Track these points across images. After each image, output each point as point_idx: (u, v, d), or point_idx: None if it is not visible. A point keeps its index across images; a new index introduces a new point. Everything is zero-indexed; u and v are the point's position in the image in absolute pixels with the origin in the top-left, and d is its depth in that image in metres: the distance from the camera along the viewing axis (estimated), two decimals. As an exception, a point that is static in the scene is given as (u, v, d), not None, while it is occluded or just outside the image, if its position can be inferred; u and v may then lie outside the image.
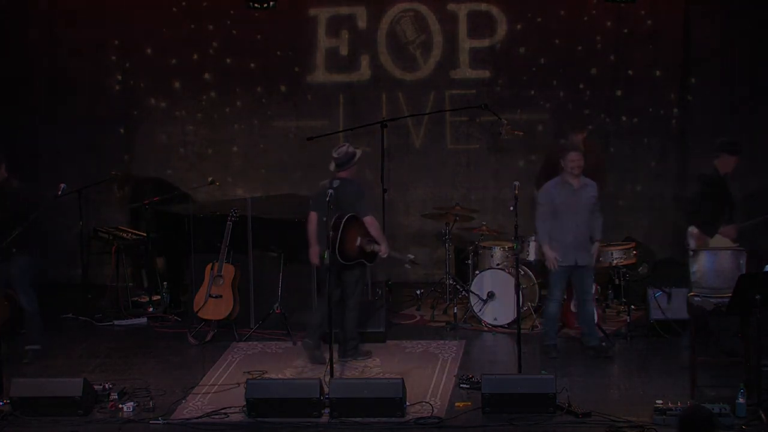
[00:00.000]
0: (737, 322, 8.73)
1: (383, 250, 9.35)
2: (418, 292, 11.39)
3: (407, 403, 8.07)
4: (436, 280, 11.62)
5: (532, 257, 10.79)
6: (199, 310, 10.13)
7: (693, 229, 9.57)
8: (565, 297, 10.31)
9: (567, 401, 8.04)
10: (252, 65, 12.75)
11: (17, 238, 9.19)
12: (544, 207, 9.53)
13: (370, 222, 9.31)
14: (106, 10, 12.62)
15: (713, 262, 8.99)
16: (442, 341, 10.11)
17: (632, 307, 10.46)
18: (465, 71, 12.54)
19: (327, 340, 8.80)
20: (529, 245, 10.77)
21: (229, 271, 10.21)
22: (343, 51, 12.64)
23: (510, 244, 10.67)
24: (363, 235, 9.28)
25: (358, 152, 9.48)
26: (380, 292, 10.37)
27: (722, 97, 12.17)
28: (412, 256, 9.78)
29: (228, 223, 10.15)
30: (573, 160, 9.43)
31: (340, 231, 9.10)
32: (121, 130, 12.86)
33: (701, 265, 8.96)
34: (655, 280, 10.55)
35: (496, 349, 10.15)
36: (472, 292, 10.61)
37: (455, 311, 10.72)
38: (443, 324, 10.71)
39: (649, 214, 12.42)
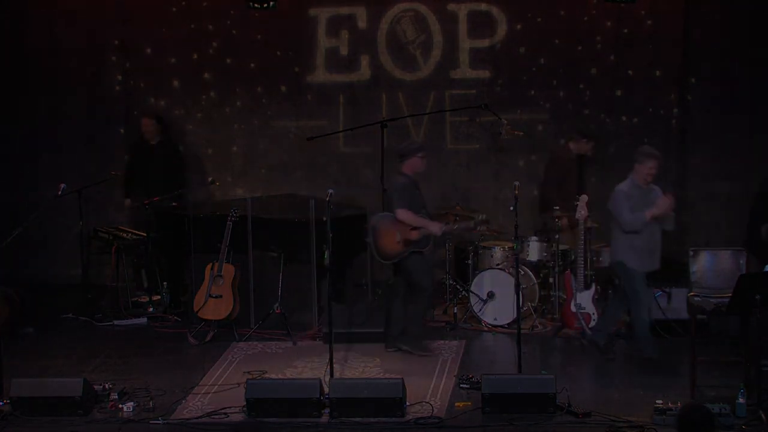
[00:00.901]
0: (737, 322, 8.73)
1: (435, 229, 9.37)
2: (418, 292, 11.37)
3: (407, 403, 8.06)
4: (436, 280, 11.60)
5: (533, 257, 10.79)
6: (199, 310, 10.13)
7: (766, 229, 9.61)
8: (565, 297, 10.31)
9: (567, 401, 8.04)
10: (252, 65, 12.74)
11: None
12: (627, 203, 9.09)
13: (401, 216, 9.34)
14: (106, 10, 12.60)
15: (713, 262, 8.99)
16: (442, 341, 10.10)
17: (632, 307, 10.46)
18: (465, 71, 12.52)
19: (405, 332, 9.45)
20: (529, 245, 10.78)
21: (229, 271, 10.20)
22: (343, 51, 12.62)
23: (510, 244, 10.67)
24: (401, 229, 9.31)
25: (421, 146, 9.70)
26: (380, 292, 10.36)
27: (722, 97, 12.16)
28: (483, 216, 9.58)
29: (228, 223, 10.14)
30: (652, 167, 9.15)
31: (371, 236, 9.32)
32: (121, 130, 12.85)
33: (701, 265, 8.96)
34: (655, 280, 10.54)
35: (496, 349, 10.15)
36: (472, 292, 10.61)
37: (455, 311, 10.72)
38: (443, 324, 10.71)
39: (649, 214, 12.38)
